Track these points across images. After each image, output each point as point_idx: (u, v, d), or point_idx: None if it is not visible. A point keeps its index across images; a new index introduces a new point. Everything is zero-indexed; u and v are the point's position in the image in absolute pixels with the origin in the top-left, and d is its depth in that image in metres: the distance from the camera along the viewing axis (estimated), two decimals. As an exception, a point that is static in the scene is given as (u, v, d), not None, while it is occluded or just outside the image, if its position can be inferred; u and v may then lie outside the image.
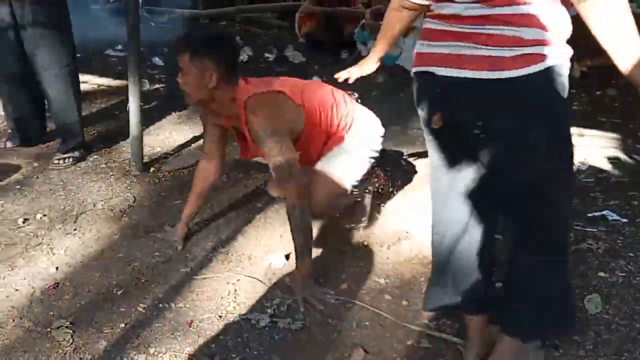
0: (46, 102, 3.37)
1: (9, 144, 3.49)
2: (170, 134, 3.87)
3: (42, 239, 2.61)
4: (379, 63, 2.21)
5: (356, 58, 5.98)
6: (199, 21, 7.36)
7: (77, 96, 3.35)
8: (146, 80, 4.64)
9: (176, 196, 3.04)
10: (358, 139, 2.53)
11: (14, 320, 2.10)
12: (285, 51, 6.24)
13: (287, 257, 2.50)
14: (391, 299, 2.30)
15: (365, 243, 2.68)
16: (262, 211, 2.94)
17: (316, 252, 2.50)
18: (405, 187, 3.12)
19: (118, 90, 4.62)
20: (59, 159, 3.31)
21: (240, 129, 2.34)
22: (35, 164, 3.32)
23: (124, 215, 2.84)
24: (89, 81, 4.61)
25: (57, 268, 2.41)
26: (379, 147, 2.62)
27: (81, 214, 2.84)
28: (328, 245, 2.64)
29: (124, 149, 3.53)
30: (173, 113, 4.23)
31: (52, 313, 2.15)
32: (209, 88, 2.21)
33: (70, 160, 3.33)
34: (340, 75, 2.33)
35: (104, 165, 3.36)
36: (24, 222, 2.72)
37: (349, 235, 2.73)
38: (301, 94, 2.41)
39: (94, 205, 2.92)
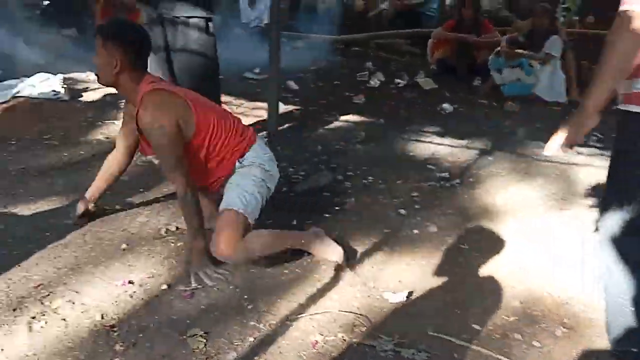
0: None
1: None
2: (302, 156, 3.98)
3: (182, 250, 2.76)
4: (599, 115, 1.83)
5: (489, 86, 5.92)
6: (333, 46, 7.55)
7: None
8: (281, 103, 4.81)
9: (307, 216, 3.12)
10: (248, 169, 2.60)
11: (154, 325, 2.24)
12: (416, 77, 6.25)
13: (410, 294, 2.48)
14: (521, 338, 2.22)
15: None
16: (392, 244, 2.94)
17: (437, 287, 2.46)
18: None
19: (254, 112, 4.83)
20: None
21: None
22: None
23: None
24: (228, 102, 4.85)
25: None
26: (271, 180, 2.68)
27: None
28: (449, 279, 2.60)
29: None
30: (305, 135, 4.36)
31: (188, 321, 2.26)
32: (113, 73, 2.45)
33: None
34: (550, 148, 1.98)
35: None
36: (165, 232, 2.89)
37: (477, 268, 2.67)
38: (202, 107, 2.53)
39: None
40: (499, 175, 3.82)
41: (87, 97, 4.97)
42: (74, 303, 2.32)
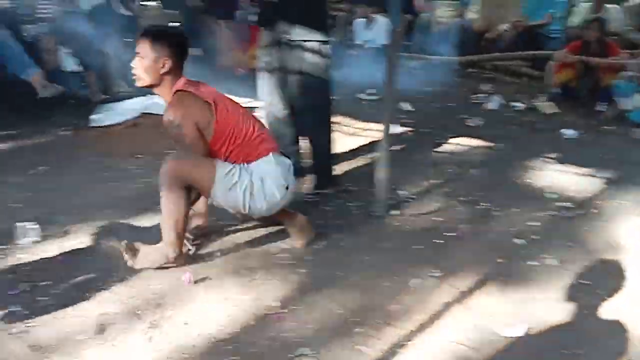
0: (303, 140, 3.65)
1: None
2: (414, 178, 3.93)
3: (291, 266, 2.80)
4: None
5: (615, 112, 5.58)
6: (448, 67, 7.43)
7: (330, 136, 3.59)
8: (394, 124, 4.78)
9: (418, 242, 3.07)
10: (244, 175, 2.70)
11: (264, 342, 2.27)
12: (535, 100, 6.02)
13: (525, 329, 2.37)
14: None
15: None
16: (507, 275, 2.83)
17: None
18: None
19: (366, 133, 4.85)
20: (309, 195, 3.55)
21: None
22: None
23: (365, 256, 2.93)
24: (342, 122, 4.89)
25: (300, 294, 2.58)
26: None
27: (325, 247, 3.00)
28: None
29: (369, 189, 3.65)
30: (417, 158, 4.31)
31: (296, 340, 2.28)
32: (160, 73, 2.62)
33: (320, 196, 3.55)
34: None
35: (349, 204, 3.52)
36: (279, 251, 2.94)
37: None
38: (224, 114, 2.67)
39: (338, 243, 3.06)
40: (626, 208, 3.58)
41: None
42: (187, 316, 2.40)
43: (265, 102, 3.66)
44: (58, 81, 5.18)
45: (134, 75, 2.70)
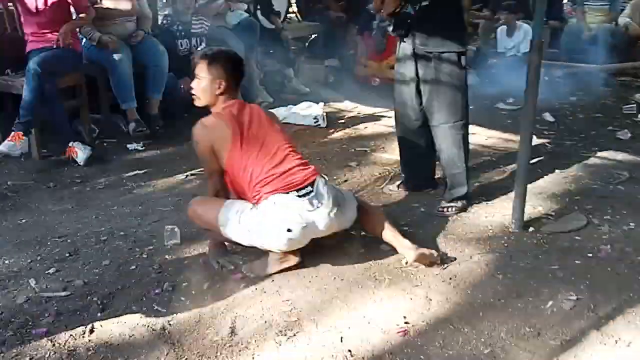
0: (437, 152, 3.60)
1: (401, 188, 3.82)
2: (553, 194, 3.74)
3: (420, 280, 2.77)
4: None
5: None
6: (597, 76, 6.99)
7: (466, 149, 3.50)
8: (534, 136, 4.58)
9: (553, 261, 2.92)
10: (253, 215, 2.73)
11: (390, 354, 2.27)
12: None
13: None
14: None
15: None
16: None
17: None
18: None
19: (504, 144, 4.69)
20: (443, 208, 3.49)
21: None
22: (422, 209, 3.56)
23: (498, 273, 2.84)
24: (478, 133, 4.77)
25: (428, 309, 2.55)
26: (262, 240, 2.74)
27: (457, 262, 2.93)
28: None
29: (505, 204, 3.53)
30: (558, 172, 4.09)
31: (422, 357, 2.26)
32: (215, 94, 2.79)
33: (453, 209, 3.48)
34: None
35: (483, 218, 3.42)
36: (406, 264, 2.92)
37: None
38: (246, 150, 2.76)
39: (470, 257, 2.98)
40: None
41: (342, 124, 5.28)
42: (316, 324, 2.46)
43: (398, 113, 3.66)
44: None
45: (193, 95, 2.88)
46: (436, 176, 3.83)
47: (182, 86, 5.21)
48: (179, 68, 5.23)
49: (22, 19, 4.55)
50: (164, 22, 5.75)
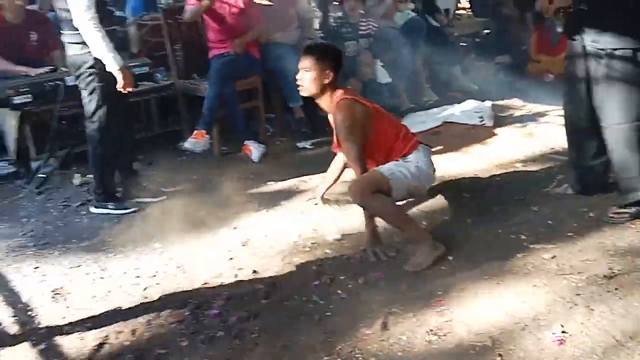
0: (609, 154, 3.38)
1: (569, 191, 3.65)
2: None
3: (582, 289, 2.65)
4: None
5: None
6: None
7: (636, 152, 3.25)
8: None
9: None
10: (406, 166, 3.17)
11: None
12: None
13: None
14: None
15: None
16: None
17: None
18: None
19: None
20: (614, 213, 3.28)
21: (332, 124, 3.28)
22: (591, 214, 3.37)
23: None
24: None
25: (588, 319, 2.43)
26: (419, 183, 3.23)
27: (625, 272, 2.75)
28: None
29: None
30: None
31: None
32: (323, 84, 3.14)
33: (626, 216, 3.25)
34: None
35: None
36: (557, 265, 2.80)
37: None
38: (379, 117, 3.24)
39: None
40: None
41: (510, 122, 5.12)
42: (469, 328, 2.46)
43: (567, 112, 3.50)
44: (372, 92, 5.68)
45: (300, 86, 3.21)
46: (609, 180, 3.60)
47: (349, 87, 5.39)
48: (346, 69, 5.40)
49: (207, 28, 4.98)
50: (334, 24, 5.97)
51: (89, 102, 3.78)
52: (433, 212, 3.56)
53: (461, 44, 7.23)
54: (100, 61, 3.66)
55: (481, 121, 5.05)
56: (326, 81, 3.16)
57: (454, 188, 3.87)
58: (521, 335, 2.37)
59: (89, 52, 3.66)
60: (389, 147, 3.24)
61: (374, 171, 3.14)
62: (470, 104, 5.27)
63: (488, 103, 5.28)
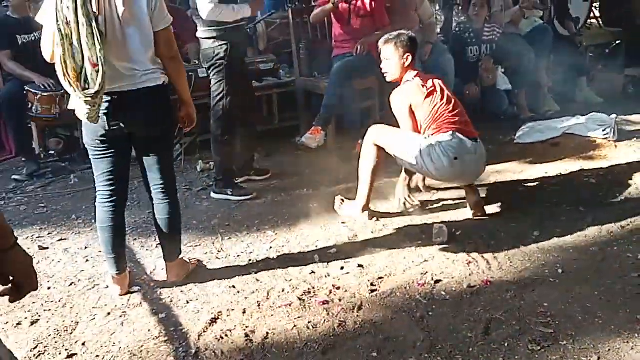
0: None
1: None
2: None
3: None
4: None
5: None
6: None
7: None
8: None
9: None
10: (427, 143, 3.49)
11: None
12: None
13: None
14: None
15: None
16: None
17: None
18: None
19: None
20: None
21: None
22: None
23: None
24: None
25: None
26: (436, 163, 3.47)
27: None
28: None
29: None
30: None
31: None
32: (405, 66, 3.59)
33: None
34: None
35: None
36: None
37: None
38: (432, 101, 3.52)
39: None
40: None
41: (637, 138, 4.88)
42: (574, 342, 2.43)
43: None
44: (491, 98, 5.61)
45: (386, 73, 3.68)
46: None
47: (467, 92, 5.36)
48: (466, 74, 5.38)
49: (333, 28, 5.11)
50: (457, 29, 5.95)
51: (216, 92, 4.05)
52: (546, 224, 3.50)
53: (590, 54, 6.93)
54: (229, 54, 3.92)
55: (605, 135, 4.84)
56: (407, 64, 3.60)
57: (570, 202, 3.77)
58: (628, 356, 2.31)
59: (220, 45, 3.92)
60: (427, 124, 3.54)
61: (394, 130, 3.62)
62: (594, 117, 5.06)
63: (613, 116, 5.05)
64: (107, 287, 3.05)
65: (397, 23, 5.13)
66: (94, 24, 2.55)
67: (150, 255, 3.41)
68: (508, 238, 3.36)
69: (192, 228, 3.74)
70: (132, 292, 2.99)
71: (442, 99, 3.54)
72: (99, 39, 2.56)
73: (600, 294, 2.73)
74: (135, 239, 3.61)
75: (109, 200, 2.90)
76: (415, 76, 3.61)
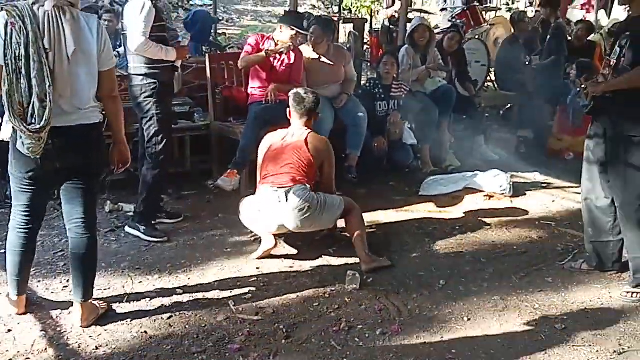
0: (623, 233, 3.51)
1: (585, 266, 3.75)
2: None
3: None
4: None
5: None
6: None
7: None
8: None
9: None
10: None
11: None
12: None
13: None
14: None
15: None
16: None
17: None
18: None
19: None
20: (627, 293, 3.39)
21: None
22: (604, 291, 3.48)
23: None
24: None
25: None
26: None
27: (631, 352, 2.84)
28: None
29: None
30: None
31: None
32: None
33: (637, 296, 3.36)
34: None
35: (671, 310, 3.27)
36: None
37: None
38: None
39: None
40: None
41: (529, 195, 5.26)
42: None
43: (585, 189, 3.66)
44: (398, 152, 5.86)
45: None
46: (623, 259, 3.71)
47: (375, 144, 5.58)
48: (375, 127, 5.61)
49: (251, 76, 5.18)
50: (367, 84, 6.21)
51: (148, 129, 4.08)
52: (450, 274, 3.68)
53: (486, 114, 7.42)
54: (159, 90, 3.99)
55: (502, 190, 5.18)
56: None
57: (472, 253, 4.00)
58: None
59: (148, 83, 4.00)
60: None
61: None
62: (491, 173, 5.41)
63: (508, 174, 5.42)
64: None
65: (325, 75, 5.35)
66: (44, 60, 2.57)
67: (56, 298, 3.26)
68: (416, 286, 3.51)
69: (101, 270, 3.60)
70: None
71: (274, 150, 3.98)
72: (49, 75, 2.58)
73: (502, 341, 2.91)
74: (39, 281, 3.45)
75: (25, 227, 2.92)
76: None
